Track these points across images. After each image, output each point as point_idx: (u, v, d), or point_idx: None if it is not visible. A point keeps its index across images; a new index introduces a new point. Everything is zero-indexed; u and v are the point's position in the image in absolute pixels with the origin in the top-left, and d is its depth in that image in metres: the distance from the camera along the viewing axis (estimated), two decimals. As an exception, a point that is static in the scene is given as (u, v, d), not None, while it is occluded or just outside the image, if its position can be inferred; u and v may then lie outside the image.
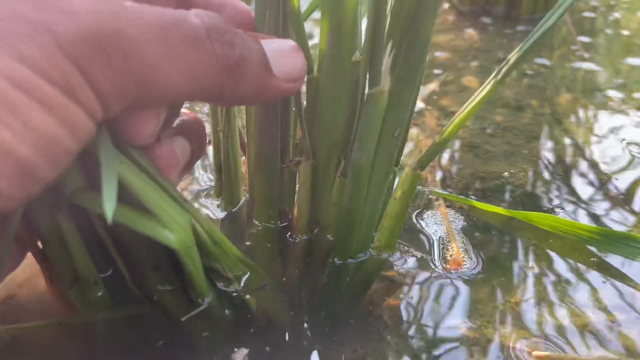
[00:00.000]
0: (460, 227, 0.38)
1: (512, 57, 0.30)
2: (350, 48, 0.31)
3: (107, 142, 0.23)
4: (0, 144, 0.19)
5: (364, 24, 0.33)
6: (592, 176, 0.46)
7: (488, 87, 0.29)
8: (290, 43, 0.27)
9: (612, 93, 0.61)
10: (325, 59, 0.31)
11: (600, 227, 0.38)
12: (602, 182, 0.45)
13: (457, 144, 0.50)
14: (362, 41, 0.33)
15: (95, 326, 0.31)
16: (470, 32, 0.78)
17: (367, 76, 0.29)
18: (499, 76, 0.28)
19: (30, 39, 0.19)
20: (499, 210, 0.39)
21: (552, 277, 0.34)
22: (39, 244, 0.29)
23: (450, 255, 0.35)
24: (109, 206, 0.21)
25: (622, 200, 0.42)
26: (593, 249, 0.36)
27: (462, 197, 0.41)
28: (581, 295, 0.33)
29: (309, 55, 0.31)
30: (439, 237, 0.37)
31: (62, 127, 0.20)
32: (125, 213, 0.25)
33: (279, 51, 0.26)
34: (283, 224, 0.37)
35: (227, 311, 0.31)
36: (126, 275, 0.30)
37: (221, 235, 0.29)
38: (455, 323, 0.31)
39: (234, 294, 0.31)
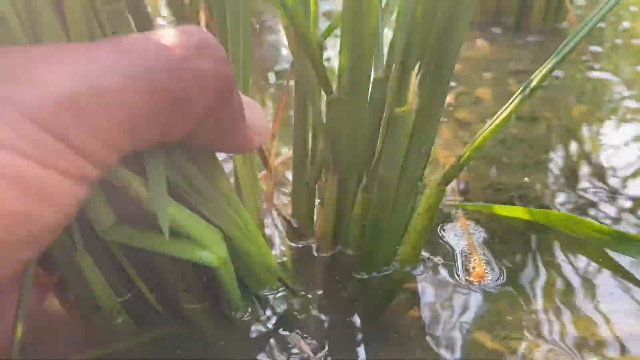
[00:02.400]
0: (480, 239, 0.39)
1: (548, 64, 0.30)
2: (370, 66, 0.32)
3: (156, 166, 0.23)
4: None
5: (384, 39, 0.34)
6: (607, 187, 0.46)
7: (517, 100, 0.29)
8: (257, 103, 0.26)
9: (625, 103, 0.61)
10: (345, 77, 0.32)
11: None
12: (618, 193, 0.45)
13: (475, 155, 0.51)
14: (384, 58, 0.34)
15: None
16: (481, 42, 0.79)
17: (390, 93, 0.30)
18: (527, 90, 0.29)
19: None
20: (520, 212, 0.39)
21: (576, 287, 0.35)
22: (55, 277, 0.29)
23: (473, 268, 0.36)
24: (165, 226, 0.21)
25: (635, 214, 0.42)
26: (616, 254, 0.37)
27: (481, 204, 0.42)
28: (607, 304, 0.34)
29: (326, 76, 0.32)
30: (461, 249, 0.38)
31: (38, 202, 0.19)
32: (154, 240, 0.26)
33: (249, 103, 0.25)
34: (301, 243, 0.38)
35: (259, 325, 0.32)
36: (151, 299, 0.30)
37: (262, 244, 0.29)
38: (479, 335, 0.32)
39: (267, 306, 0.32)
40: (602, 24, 0.85)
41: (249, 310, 0.32)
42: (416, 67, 0.27)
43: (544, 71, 0.29)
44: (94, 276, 0.27)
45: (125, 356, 0.30)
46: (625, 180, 0.47)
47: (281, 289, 0.33)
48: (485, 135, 0.30)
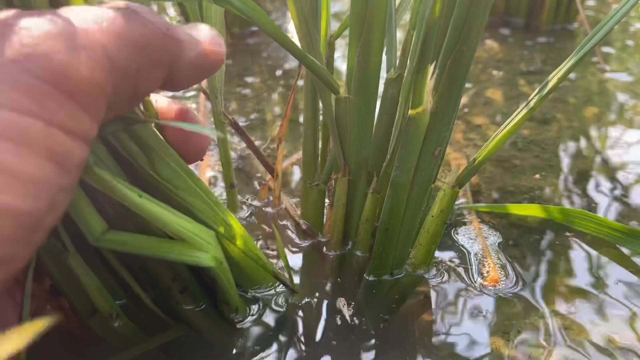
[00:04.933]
0: (494, 242, 0.38)
1: (567, 63, 0.29)
2: (379, 65, 0.31)
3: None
4: None
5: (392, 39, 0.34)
6: (620, 189, 0.45)
7: (533, 102, 0.29)
8: (195, 23, 0.27)
9: (636, 104, 0.61)
10: (354, 78, 0.32)
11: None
12: (629, 193, 0.44)
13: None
14: (397, 58, 0.33)
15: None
16: (490, 43, 0.78)
17: (404, 94, 0.30)
18: (544, 91, 0.28)
19: None
20: (535, 210, 0.38)
21: (592, 290, 0.34)
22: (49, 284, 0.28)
23: (487, 272, 0.35)
24: None
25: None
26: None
27: (496, 204, 0.41)
28: (623, 308, 0.33)
29: (334, 79, 0.32)
30: (475, 253, 0.37)
31: (50, 163, 0.19)
32: (148, 243, 0.25)
33: (191, 28, 0.26)
34: (309, 241, 0.38)
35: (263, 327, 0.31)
36: (146, 302, 0.29)
37: (252, 246, 0.29)
38: (493, 340, 0.31)
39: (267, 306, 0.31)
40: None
41: (250, 311, 0.31)
42: (431, 68, 0.27)
43: (559, 74, 0.28)
44: (89, 280, 0.27)
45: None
46: (637, 179, 0.46)
47: (280, 288, 0.32)
48: (501, 137, 0.30)
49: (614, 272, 0.36)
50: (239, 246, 0.28)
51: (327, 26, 0.34)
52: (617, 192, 0.45)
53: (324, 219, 0.39)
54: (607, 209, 0.43)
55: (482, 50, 0.76)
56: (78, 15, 0.20)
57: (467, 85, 0.65)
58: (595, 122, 0.57)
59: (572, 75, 0.67)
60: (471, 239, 0.39)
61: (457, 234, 0.39)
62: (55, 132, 0.19)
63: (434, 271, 0.35)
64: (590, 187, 0.46)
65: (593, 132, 0.55)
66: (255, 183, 0.46)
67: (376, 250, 0.34)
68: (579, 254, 0.37)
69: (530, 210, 0.39)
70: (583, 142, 0.53)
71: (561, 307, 0.33)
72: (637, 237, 0.35)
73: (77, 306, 0.28)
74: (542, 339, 0.31)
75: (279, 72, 0.71)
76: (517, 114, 0.29)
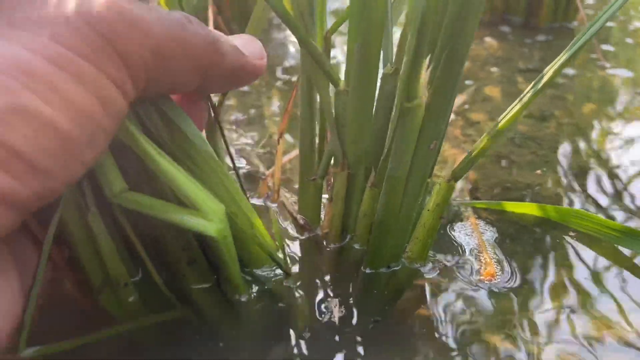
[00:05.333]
0: (491, 238, 0.38)
1: (559, 60, 0.29)
2: (377, 59, 0.31)
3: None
4: (43, 117, 0.20)
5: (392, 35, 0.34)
6: (618, 186, 0.45)
7: (527, 97, 0.29)
8: (248, 35, 0.30)
9: (634, 101, 0.61)
10: (352, 72, 0.32)
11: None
12: (627, 190, 0.45)
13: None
14: (394, 52, 0.33)
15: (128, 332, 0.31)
16: (489, 41, 0.78)
17: (400, 88, 0.30)
18: (539, 85, 0.28)
19: (61, 20, 0.21)
20: (532, 209, 0.38)
21: (587, 285, 0.34)
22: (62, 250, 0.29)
23: (483, 267, 0.35)
24: None
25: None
26: (628, 252, 0.36)
27: (492, 201, 0.41)
28: (619, 303, 0.33)
29: (334, 70, 0.32)
30: (471, 248, 0.37)
31: (96, 101, 0.21)
32: (161, 206, 0.26)
33: (241, 39, 0.29)
34: (307, 235, 0.38)
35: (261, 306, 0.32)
36: (156, 278, 0.30)
37: (258, 224, 0.30)
38: (489, 335, 0.31)
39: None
40: (611, 24, 0.84)
41: (252, 292, 0.32)
42: (426, 61, 0.27)
43: (555, 67, 0.28)
44: (104, 241, 0.28)
45: (130, 337, 0.30)
46: (635, 177, 0.46)
47: (277, 270, 0.32)
48: (496, 131, 0.30)
49: (610, 269, 0.36)
50: (244, 222, 0.29)
51: (323, 20, 0.34)
52: (616, 189, 0.45)
53: (321, 214, 0.39)
54: (605, 207, 0.43)
55: (482, 47, 0.76)
56: (148, 7, 0.23)
57: (467, 82, 0.65)
58: (594, 119, 0.57)
59: (570, 72, 0.67)
60: (467, 234, 0.39)
61: (454, 229, 0.39)
62: (104, 79, 0.21)
63: (430, 265, 0.35)
64: (588, 184, 0.46)
65: (591, 129, 0.55)
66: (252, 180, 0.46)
67: (373, 243, 0.34)
68: (575, 251, 0.37)
69: (526, 209, 0.39)
70: (581, 139, 0.53)
71: (557, 301, 0.33)
72: (633, 236, 0.35)
73: (90, 273, 0.29)
74: (538, 334, 0.31)
75: (278, 69, 0.71)
76: (512, 108, 0.29)
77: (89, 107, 0.21)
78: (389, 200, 0.32)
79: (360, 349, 0.30)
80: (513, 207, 0.39)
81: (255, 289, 0.32)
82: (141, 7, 0.23)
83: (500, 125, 0.30)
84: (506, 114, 0.30)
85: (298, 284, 0.34)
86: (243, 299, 0.31)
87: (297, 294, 0.33)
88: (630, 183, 0.46)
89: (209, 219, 0.26)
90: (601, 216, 0.38)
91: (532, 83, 0.29)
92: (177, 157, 0.27)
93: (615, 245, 0.37)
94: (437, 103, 0.28)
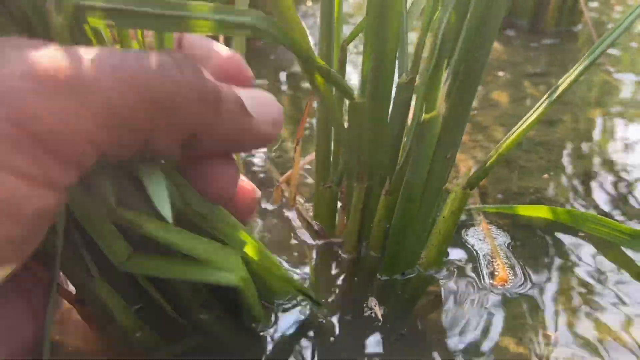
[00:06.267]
0: (503, 243, 0.39)
1: (578, 67, 0.30)
2: (393, 70, 0.32)
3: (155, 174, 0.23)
4: None
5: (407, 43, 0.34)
6: (625, 188, 0.46)
7: (543, 106, 0.30)
8: (266, 93, 0.25)
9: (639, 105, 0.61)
10: (368, 82, 0.32)
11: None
12: (634, 193, 0.45)
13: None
14: (409, 63, 0.34)
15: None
16: (495, 45, 0.79)
17: (419, 99, 0.30)
18: (555, 95, 0.29)
19: None
20: (543, 212, 0.39)
21: (599, 290, 0.35)
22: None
23: (496, 272, 0.36)
24: (167, 212, 0.21)
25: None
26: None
27: (504, 205, 0.42)
28: (629, 307, 0.34)
29: (347, 85, 0.32)
30: (484, 253, 0.38)
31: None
32: (172, 266, 0.25)
33: (255, 96, 0.24)
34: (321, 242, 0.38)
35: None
36: (168, 309, 0.29)
37: (274, 262, 0.29)
38: (503, 339, 0.32)
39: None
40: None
41: (272, 319, 0.32)
42: (445, 73, 0.28)
43: (571, 77, 0.29)
44: (114, 302, 0.27)
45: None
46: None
47: (301, 298, 0.32)
48: (511, 140, 0.31)
49: (621, 274, 0.36)
50: (259, 263, 0.28)
51: (339, 30, 0.34)
52: (622, 192, 0.46)
53: (337, 219, 0.39)
54: (613, 208, 0.43)
55: (487, 51, 0.77)
56: (86, 55, 0.18)
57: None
58: (601, 123, 0.58)
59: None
60: (480, 239, 0.39)
61: (467, 235, 0.40)
62: (14, 181, 0.17)
63: (444, 271, 0.36)
64: (596, 187, 0.47)
65: (598, 133, 0.56)
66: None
67: (388, 250, 0.34)
68: (586, 255, 0.38)
69: (538, 212, 0.39)
70: (589, 143, 0.54)
71: (568, 306, 0.34)
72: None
73: (100, 320, 0.28)
74: (551, 337, 0.32)
75: (285, 74, 0.72)
76: (527, 118, 0.30)
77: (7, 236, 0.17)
78: (406, 207, 0.32)
79: (374, 355, 0.31)
80: (525, 210, 0.40)
81: (273, 317, 0.32)
82: (95, 59, 0.18)
83: (514, 136, 0.30)
84: (520, 125, 0.30)
85: (325, 311, 0.33)
86: (261, 328, 0.31)
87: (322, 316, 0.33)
88: (634, 186, 0.46)
89: (227, 269, 0.26)
90: (611, 220, 0.38)
91: (547, 94, 0.30)
92: (187, 217, 0.25)
93: (624, 248, 0.38)
94: (455, 114, 0.29)
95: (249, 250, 0.27)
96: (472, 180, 0.33)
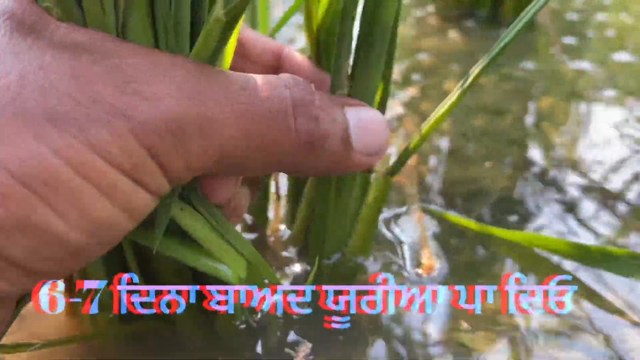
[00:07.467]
0: (434, 233, 0.39)
1: (481, 63, 0.30)
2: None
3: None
4: (51, 233, 0.19)
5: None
6: (573, 179, 0.46)
7: (454, 96, 0.30)
8: (377, 115, 0.26)
9: (592, 95, 0.62)
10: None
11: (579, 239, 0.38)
12: (584, 185, 0.45)
13: (435, 148, 0.51)
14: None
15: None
16: (453, 35, 0.79)
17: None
18: (466, 84, 0.29)
19: (104, 124, 0.19)
20: (471, 224, 0.39)
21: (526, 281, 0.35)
22: None
23: (423, 261, 0.36)
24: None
25: (602, 203, 0.43)
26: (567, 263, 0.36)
27: (433, 207, 0.42)
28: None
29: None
30: (413, 242, 0.38)
31: (122, 212, 0.20)
32: (181, 251, 0.26)
33: (364, 123, 0.24)
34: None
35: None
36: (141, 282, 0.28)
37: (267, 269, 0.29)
38: (428, 327, 0.32)
39: None
40: (574, 17, 0.85)
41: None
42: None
43: (480, 66, 0.29)
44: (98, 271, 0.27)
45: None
46: (593, 169, 0.47)
47: None
48: (428, 127, 0.31)
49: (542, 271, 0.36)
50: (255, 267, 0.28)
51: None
52: (571, 180, 0.46)
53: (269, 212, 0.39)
54: (560, 199, 0.44)
55: (445, 42, 0.77)
56: (240, 91, 0.21)
57: (423, 77, 0.66)
58: (552, 113, 0.58)
59: (530, 66, 0.68)
60: (411, 228, 0.39)
61: (398, 224, 0.40)
62: (139, 191, 0.20)
63: (371, 259, 0.36)
64: (542, 177, 0.47)
65: (548, 123, 0.56)
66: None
67: (312, 233, 0.34)
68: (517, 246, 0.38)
69: (466, 223, 0.39)
70: (537, 133, 0.54)
71: (496, 294, 0.34)
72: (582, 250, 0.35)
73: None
74: (476, 325, 0.32)
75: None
76: (441, 107, 0.30)
77: (111, 219, 0.20)
78: (322, 193, 0.32)
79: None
80: (453, 218, 0.39)
81: None
82: (220, 101, 0.21)
83: (431, 123, 0.30)
84: (435, 113, 0.30)
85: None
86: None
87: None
88: (589, 176, 0.46)
89: (226, 263, 0.26)
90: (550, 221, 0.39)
91: (460, 82, 0.30)
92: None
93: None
94: (361, 91, 0.29)
95: (249, 254, 0.27)
96: (394, 167, 0.32)
